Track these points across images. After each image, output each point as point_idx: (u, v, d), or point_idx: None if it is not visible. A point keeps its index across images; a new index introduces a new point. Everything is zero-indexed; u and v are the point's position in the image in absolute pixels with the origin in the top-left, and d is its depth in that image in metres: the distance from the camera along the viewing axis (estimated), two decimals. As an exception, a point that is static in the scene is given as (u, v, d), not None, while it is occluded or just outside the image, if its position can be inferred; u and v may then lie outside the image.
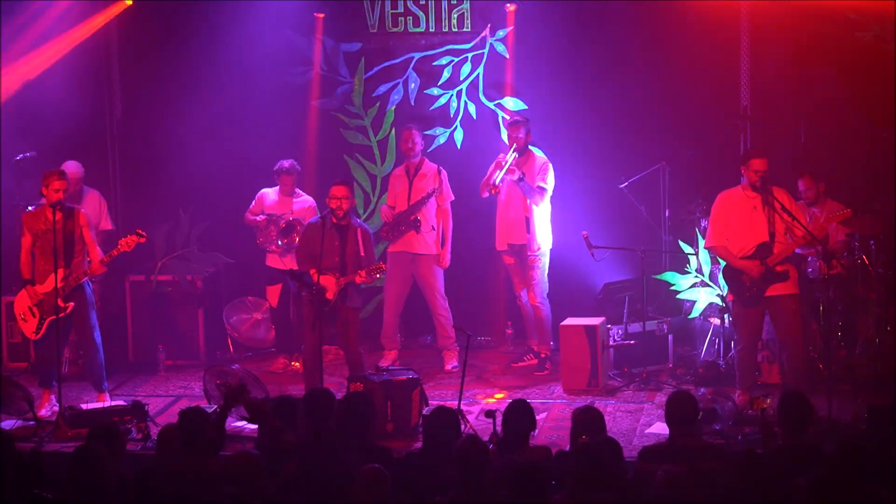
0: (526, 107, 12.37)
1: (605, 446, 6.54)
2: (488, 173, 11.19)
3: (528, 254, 11.21)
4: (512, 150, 11.05)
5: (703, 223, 11.07)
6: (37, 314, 10.24)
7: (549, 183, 11.15)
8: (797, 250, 10.01)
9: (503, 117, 12.43)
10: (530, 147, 11.25)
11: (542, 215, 11.22)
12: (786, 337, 9.84)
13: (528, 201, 11.11)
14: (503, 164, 11.03)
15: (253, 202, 11.88)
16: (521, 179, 11.01)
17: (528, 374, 11.34)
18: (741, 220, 9.81)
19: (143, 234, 10.24)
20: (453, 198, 11.56)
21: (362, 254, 10.30)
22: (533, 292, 11.30)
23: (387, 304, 11.73)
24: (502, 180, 11.03)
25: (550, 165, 11.20)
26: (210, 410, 8.99)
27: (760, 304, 9.77)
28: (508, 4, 12.33)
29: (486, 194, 11.28)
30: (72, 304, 10.12)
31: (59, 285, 10.02)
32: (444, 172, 11.55)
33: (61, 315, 10.11)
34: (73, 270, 10.13)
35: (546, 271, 11.33)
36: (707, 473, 6.27)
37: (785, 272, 9.71)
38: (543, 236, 11.24)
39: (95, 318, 10.34)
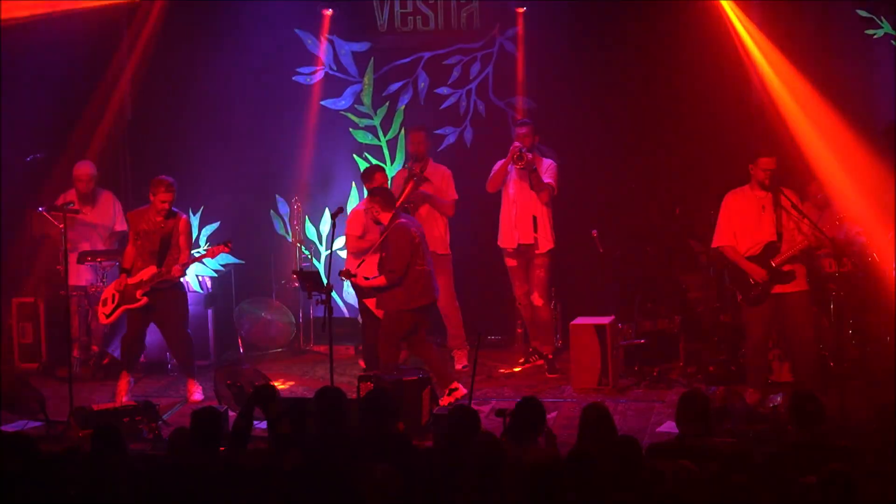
0: (535, 105, 12.36)
1: (615, 446, 6.52)
2: (500, 166, 11.14)
3: (536, 253, 11.18)
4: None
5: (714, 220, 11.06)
6: (116, 300, 10.53)
7: (555, 182, 11.12)
8: (810, 249, 9.97)
9: (513, 116, 12.43)
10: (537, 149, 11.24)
11: (547, 215, 11.19)
12: (795, 334, 9.82)
13: (537, 196, 11.06)
14: (517, 151, 10.99)
15: (349, 225, 11.22)
16: (533, 170, 10.99)
17: (537, 374, 11.32)
18: (749, 220, 9.80)
19: (230, 244, 10.66)
20: (457, 196, 11.54)
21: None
22: (538, 293, 11.26)
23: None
24: (521, 158, 10.92)
25: (556, 166, 11.18)
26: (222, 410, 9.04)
27: (769, 302, 9.75)
28: (518, 7, 12.32)
29: (495, 189, 11.24)
30: (145, 299, 10.41)
31: (144, 279, 10.41)
32: (448, 171, 11.56)
33: (134, 306, 10.45)
34: (164, 271, 10.44)
35: (550, 274, 11.30)
36: (717, 471, 6.25)
37: (791, 272, 9.70)
38: (549, 236, 11.21)
39: (187, 316, 10.74)
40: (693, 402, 7.18)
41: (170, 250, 10.46)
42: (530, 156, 10.94)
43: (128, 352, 10.68)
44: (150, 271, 10.41)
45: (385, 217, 10.19)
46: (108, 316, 10.62)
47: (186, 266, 10.53)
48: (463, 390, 10.01)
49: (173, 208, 10.53)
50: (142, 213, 10.60)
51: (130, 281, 10.47)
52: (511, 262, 11.38)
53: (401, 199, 11.03)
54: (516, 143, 11.01)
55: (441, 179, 11.46)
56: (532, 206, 11.11)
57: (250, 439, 7.52)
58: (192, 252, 10.70)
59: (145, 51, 12.82)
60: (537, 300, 11.29)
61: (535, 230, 11.12)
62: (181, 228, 10.53)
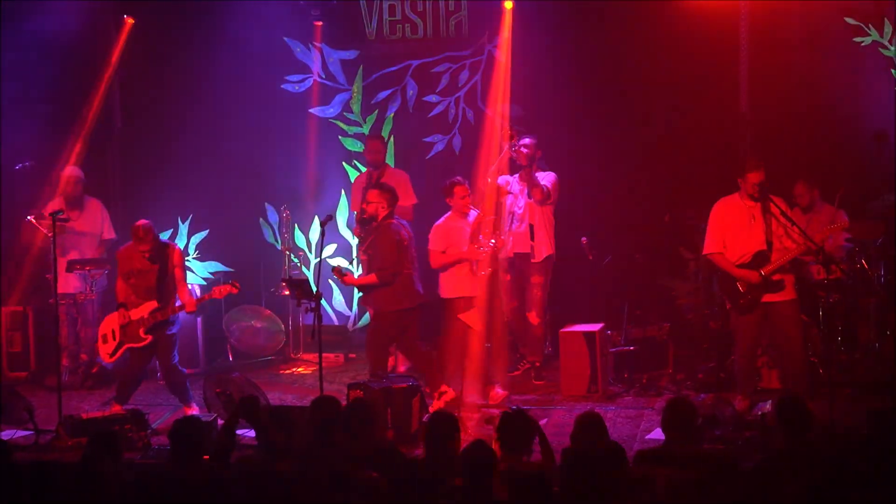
0: (524, 113, 12.36)
1: (605, 452, 6.51)
2: (497, 161, 11.14)
3: (532, 262, 11.15)
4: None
5: (703, 228, 11.07)
6: (118, 338, 10.30)
7: (554, 190, 11.10)
8: (797, 257, 9.98)
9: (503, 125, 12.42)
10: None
11: (545, 224, 11.18)
12: (784, 343, 9.82)
13: (529, 194, 11.04)
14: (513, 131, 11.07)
15: (433, 241, 10.59)
16: (529, 164, 10.98)
17: (525, 381, 11.31)
18: (739, 228, 9.79)
19: (238, 285, 10.33)
20: (416, 200, 11.55)
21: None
22: (535, 312, 11.23)
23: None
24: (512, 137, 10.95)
25: (557, 179, 11.16)
26: (207, 419, 9.03)
27: (758, 311, 9.75)
28: (506, 1, 12.29)
29: (498, 173, 11.16)
30: (150, 337, 10.16)
31: (145, 317, 10.13)
32: (405, 176, 11.65)
33: (140, 345, 10.18)
34: (163, 306, 10.20)
35: (547, 289, 11.28)
36: (705, 479, 6.25)
37: (781, 281, 9.69)
38: (547, 244, 11.19)
39: (177, 351, 10.36)
40: (678, 409, 7.17)
41: (166, 284, 10.24)
42: (526, 143, 10.95)
43: (126, 388, 10.39)
44: (150, 306, 10.17)
45: (383, 215, 10.14)
46: (111, 355, 10.39)
47: (202, 303, 10.39)
48: (452, 393, 10.01)
49: (161, 240, 10.32)
50: (130, 251, 10.28)
51: (135, 316, 10.23)
52: (504, 277, 11.35)
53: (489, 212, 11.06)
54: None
55: (398, 185, 11.43)
56: (529, 215, 11.09)
57: (233, 452, 7.49)
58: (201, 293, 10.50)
59: (134, 59, 12.82)
60: (534, 319, 11.25)
61: (532, 238, 11.10)
62: (176, 261, 10.26)
